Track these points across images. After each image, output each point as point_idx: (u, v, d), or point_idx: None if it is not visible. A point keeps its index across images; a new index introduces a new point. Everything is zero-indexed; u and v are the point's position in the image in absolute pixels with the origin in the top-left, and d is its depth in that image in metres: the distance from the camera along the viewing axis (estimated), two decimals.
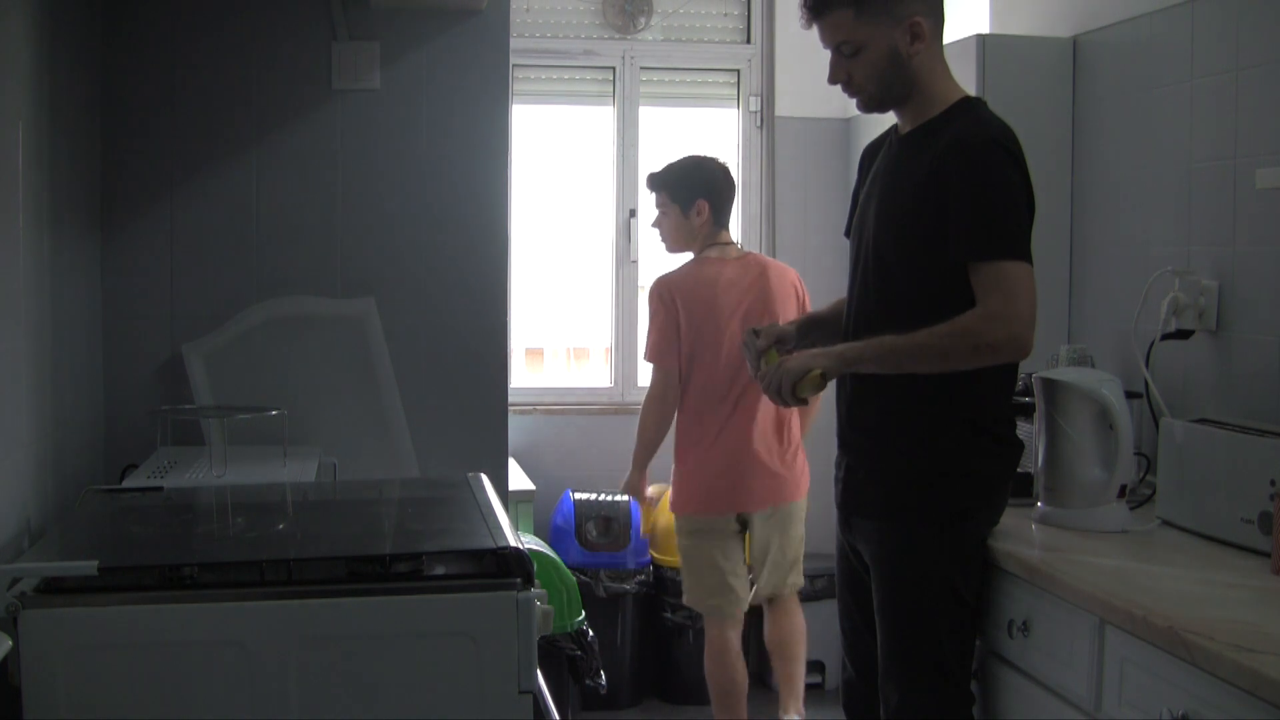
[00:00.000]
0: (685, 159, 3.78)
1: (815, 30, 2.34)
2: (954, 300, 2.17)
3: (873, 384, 2.27)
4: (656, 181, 3.77)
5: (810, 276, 4.27)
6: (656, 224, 3.80)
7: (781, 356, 2.34)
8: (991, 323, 2.12)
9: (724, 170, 3.78)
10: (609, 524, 4.30)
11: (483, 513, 2.26)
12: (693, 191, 3.68)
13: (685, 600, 3.77)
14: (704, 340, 3.59)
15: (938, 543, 2.22)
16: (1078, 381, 2.41)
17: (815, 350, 2.29)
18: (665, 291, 3.63)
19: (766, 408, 3.59)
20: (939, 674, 2.24)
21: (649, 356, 3.68)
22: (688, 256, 3.76)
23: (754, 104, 4.65)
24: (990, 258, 2.14)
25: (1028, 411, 2.65)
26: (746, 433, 3.59)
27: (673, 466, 3.74)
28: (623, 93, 4.63)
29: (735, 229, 4.65)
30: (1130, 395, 2.50)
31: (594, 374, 4.89)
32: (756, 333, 2.46)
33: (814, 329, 2.52)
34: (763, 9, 4.64)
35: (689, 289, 3.62)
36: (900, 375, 2.20)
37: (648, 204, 4.64)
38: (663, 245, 3.84)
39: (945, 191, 2.18)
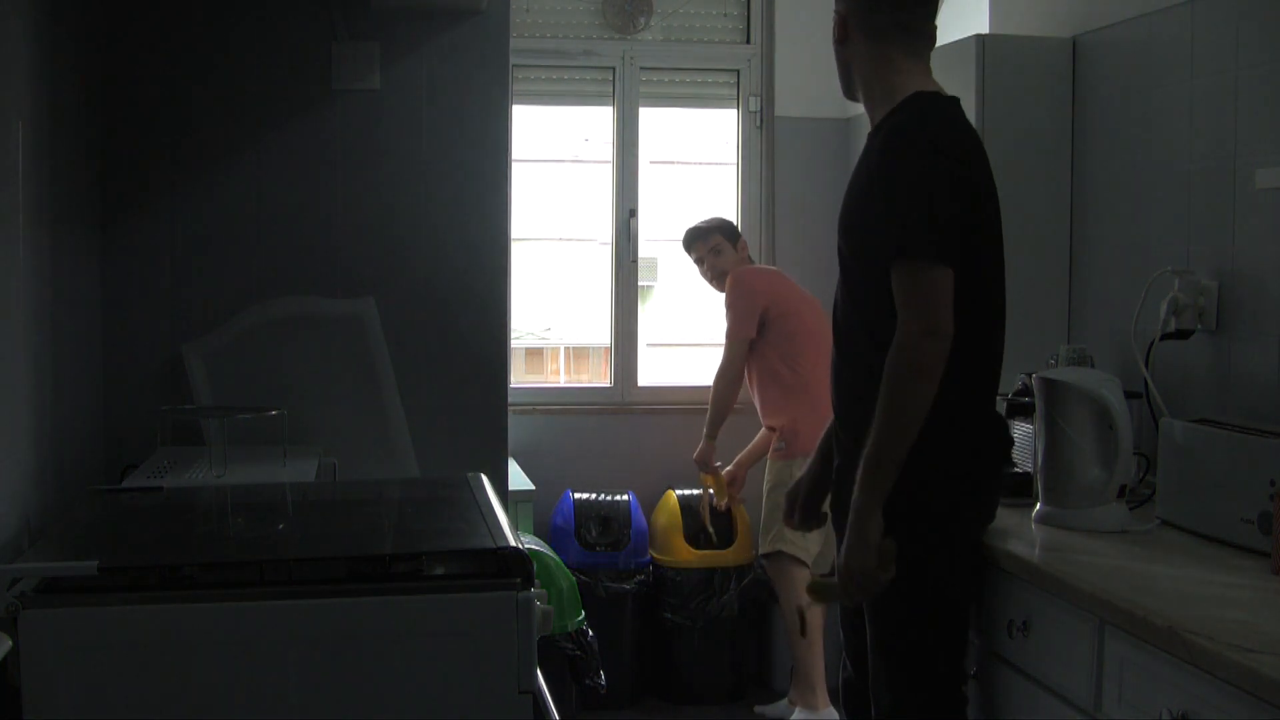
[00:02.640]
0: (708, 219, 4.41)
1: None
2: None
3: (856, 386, 2.25)
4: (705, 230, 4.34)
5: (809, 278, 4.28)
6: (711, 267, 4.32)
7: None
8: (901, 344, 2.07)
9: None
10: (609, 524, 4.30)
11: (483, 513, 2.26)
12: (735, 232, 4.37)
13: (778, 548, 4.02)
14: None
15: (923, 544, 2.20)
16: (1077, 381, 2.41)
17: (852, 516, 2.17)
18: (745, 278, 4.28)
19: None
20: (928, 676, 2.23)
21: (730, 334, 4.22)
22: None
23: (753, 104, 4.65)
24: (895, 258, 2.11)
25: (1027, 411, 2.65)
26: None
27: (785, 418, 4.12)
28: (623, 93, 4.63)
29: None
30: (1130, 395, 2.50)
31: (594, 374, 4.89)
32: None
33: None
34: (762, 9, 4.64)
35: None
36: (875, 377, 2.15)
37: (647, 204, 4.66)
38: (714, 285, 4.34)
39: (872, 191, 2.18)
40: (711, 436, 4.26)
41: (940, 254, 2.09)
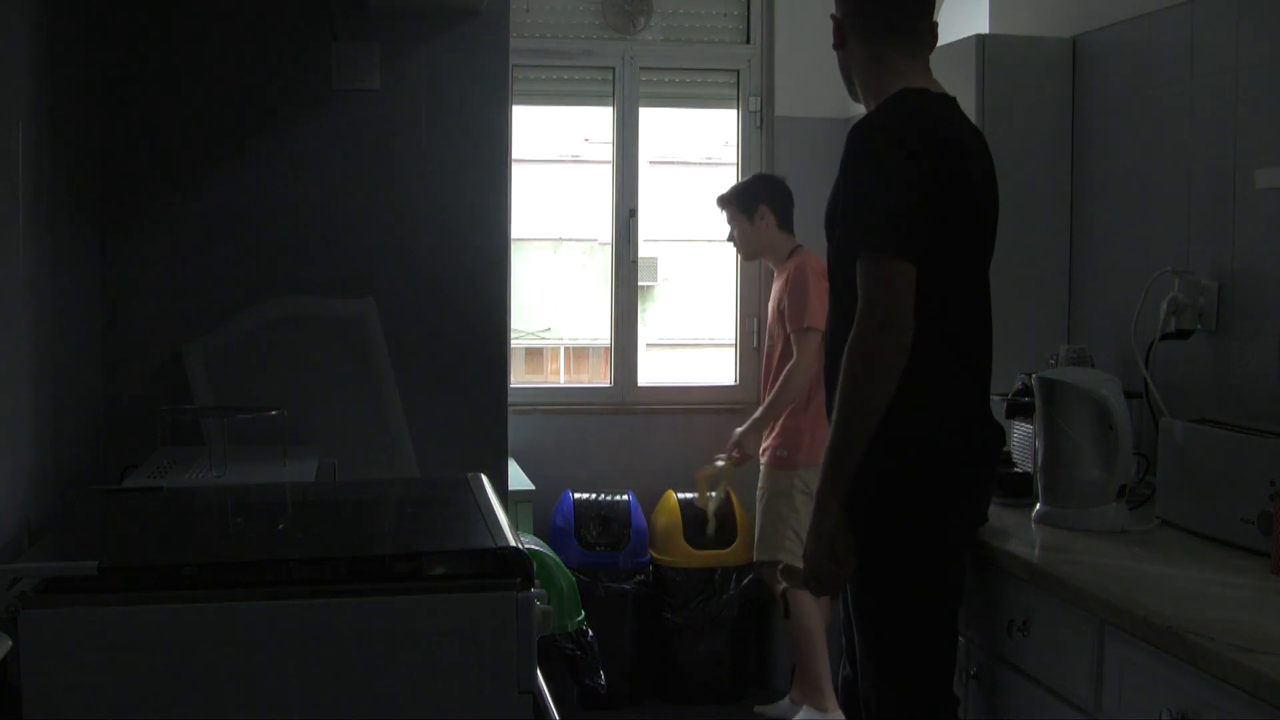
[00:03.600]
0: (748, 177, 4.30)
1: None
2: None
3: (833, 388, 2.24)
4: (723, 199, 4.21)
5: None
6: (735, 238, 4.22)
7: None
8: (855, 337, 2.07)
9: (780, 180, 4.22)
10: (609, 524, 4.30)
11: (482, 513, 2.26)
12: (755, 200, 4.14)
13: (777, 556, 3.90)
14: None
15: (901, 546, 2.19)
16: (1077, 381, 2.41)
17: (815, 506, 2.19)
18: (817, 268, 3.91)
19: None
20: (914, 676, 2.22)
21: (813, 323, 3.94)
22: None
23: (753, 104, 4.65)
24: (857, 252, 2.10)
25: (1027, 411, 2.65)
26: None
27: (789, 425, 4.04)
28: (623, 93, 4.63)
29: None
30: (1130, 395, 2.50)
31: (594, 374, 4.89)
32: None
33: None
34: (762, 9, 4.64)
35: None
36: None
37: (647, 204, 4.66)
38: (739, 254, 4.35)
39: (841, 188, 2.19)
40: (763, 428, 4.08)
41: (900, 248, 2.07)
